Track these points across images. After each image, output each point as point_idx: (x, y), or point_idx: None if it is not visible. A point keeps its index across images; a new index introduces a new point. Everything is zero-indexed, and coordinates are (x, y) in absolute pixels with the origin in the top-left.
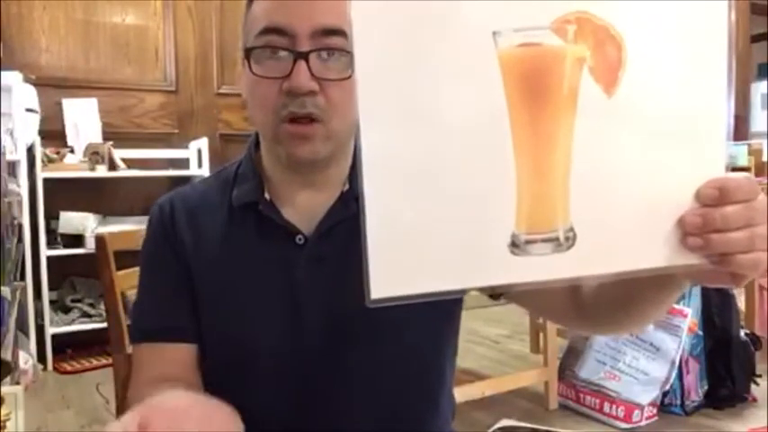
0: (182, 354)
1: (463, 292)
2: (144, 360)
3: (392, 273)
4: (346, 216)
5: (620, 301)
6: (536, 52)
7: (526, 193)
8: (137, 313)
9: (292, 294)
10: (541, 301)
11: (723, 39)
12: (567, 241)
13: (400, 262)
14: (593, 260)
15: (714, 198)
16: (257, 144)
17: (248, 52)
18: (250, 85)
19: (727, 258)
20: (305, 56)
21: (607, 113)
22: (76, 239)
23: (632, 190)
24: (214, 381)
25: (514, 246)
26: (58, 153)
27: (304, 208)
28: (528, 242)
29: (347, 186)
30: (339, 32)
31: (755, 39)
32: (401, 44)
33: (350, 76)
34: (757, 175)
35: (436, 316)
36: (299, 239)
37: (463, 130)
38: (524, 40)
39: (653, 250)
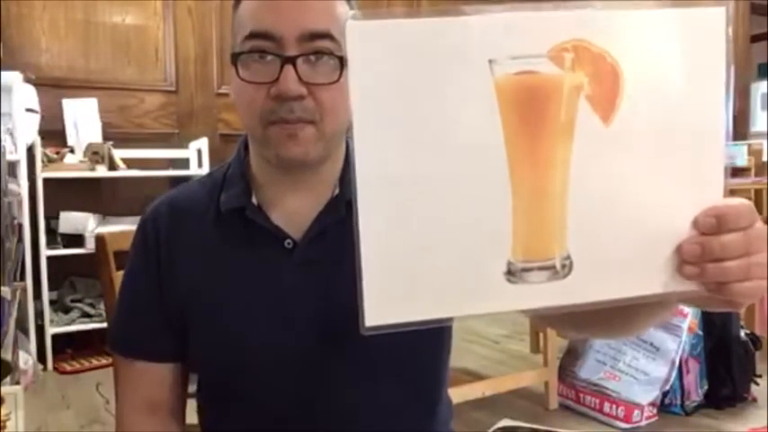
0: (161, 374)
1: (458, 319)
2: (126, 378)
3: (387, 301)
4: (336, 220)
5: (613, 314)
6: (533, 80)
7: (523, 221)
8: (116, 323)
9: (282, 299)
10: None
11: (722, 64)
12: (563, 269)
13: (395, 290)
14: (589, 287)
15: (712, 227)
16: (246, 147)
17: (235, 57)
18: (238, 89)
19: (723, 287)
20: (292, 60)
21: (604, 141)
22: (76, 239)
23: (630, 217)
24: (210, 386)
25: (510, 274)
26: (57, 153)
27: (293, 212)
28: (524, 270)
29: (338, 190)
30: (327, 36)
31: (755, 39)
32: (396, 69)
33: (338, 80)
34: (757, 174)
35: None
36: (288, 243)
37: (459, 158)
38: (521, 68)
39: (649, 277)
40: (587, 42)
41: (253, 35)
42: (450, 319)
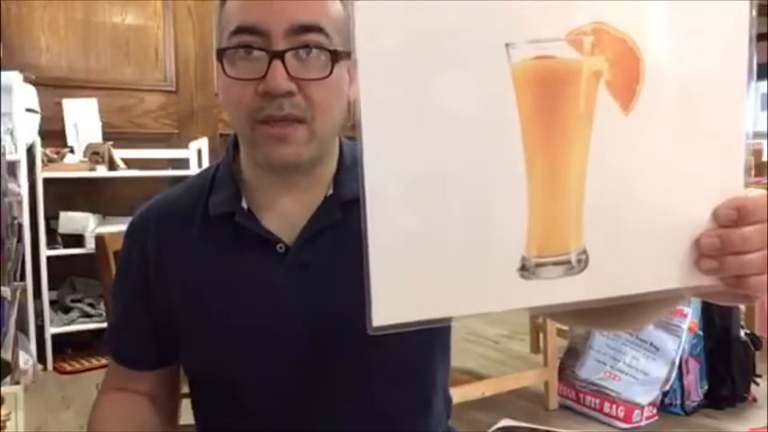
0: (149, 377)
1: (469, 317)
2: (115, 372)
3: (396, 300)
4: (330, 223)
5: (620, 307)
6: (550, 65)
7: (538, 214)
8: (109, 329)
9: (275, 303)
10: None
11: (744, 50)
12: (579, 264)
13: (404, 288)
14: (604, 283)
15: (732, 219)
16: (236, 146)
17: (221, 53)
18: (225, 87)
19: (742, 280)
20: (280, 55)
21: (623, 129)
22: (76, 239)
23: (648, 209)
24: (204, 392)
25: (524, 269)
26: (57, 153)
27: (285, 214)
28: (538, 265)
29: (331, 191)
30: (316, 29)
31: (756, 39)
32: (408, 54)
33: (329, 75)
34: (757, 175)
35: None
36: (280, 248)
37: (472, 149)
38: (538, 53)
39: (666, 272)
40: (607, 25)
41: (239, 30)
42: (460, 318)
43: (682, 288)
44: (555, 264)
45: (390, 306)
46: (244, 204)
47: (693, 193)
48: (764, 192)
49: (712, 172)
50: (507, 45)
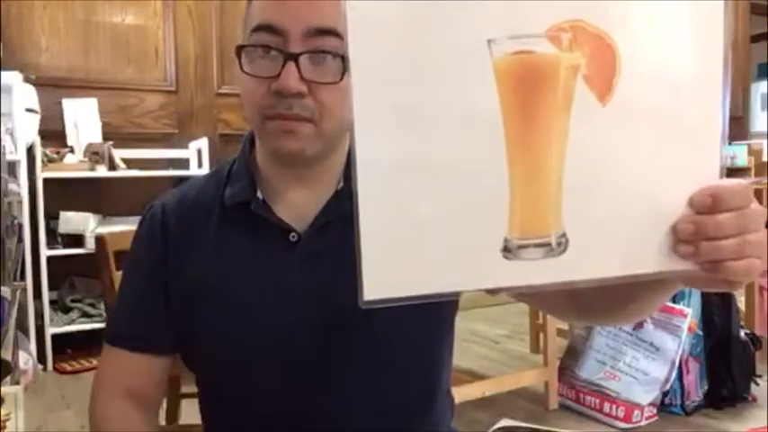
0: (148, 365)
1: (455, 294)
2: (111, 366)
3: (385, 275)
4: (340, 214)
5: (614, 299)
6: (530, 60)
7: (519, 198)
8: (112, 315)
9: (286, 292)
10: (538, 296)
11: (719, 45)
12: (559, 246)
13: (394, 264)
14: (584, 265)
15: (707, 206)
16: (252, 142)
17: (240, 49)
18: (241, 81)
19: (717, 265)
20: (295, 57)
21: (601, 120)
22: (76, 239)
23: (625, 196)
24: (212, 378)
25: (507, 251)
26: (57, 153)
27: (297, 205)
28: (520, 247)
29: (341, 184)
30: (332, 33)
31: (755, 39)
32: (396, 50)
33: (341, 80)
34: (757, 174)
35: (431, 312)
36: (293, 237)
37: (457, 136)
38: (519, 48)
39: (644, 256)
40: (585, 22)
41: (259, 28)
42: (447, 295)
43: (660, 272)
44: (536, 246)
45: (380, 282)
46: (259, 195)
47: (670, 180)
48: (740, 180)
49: (689, 161)
50: (489, 41)
